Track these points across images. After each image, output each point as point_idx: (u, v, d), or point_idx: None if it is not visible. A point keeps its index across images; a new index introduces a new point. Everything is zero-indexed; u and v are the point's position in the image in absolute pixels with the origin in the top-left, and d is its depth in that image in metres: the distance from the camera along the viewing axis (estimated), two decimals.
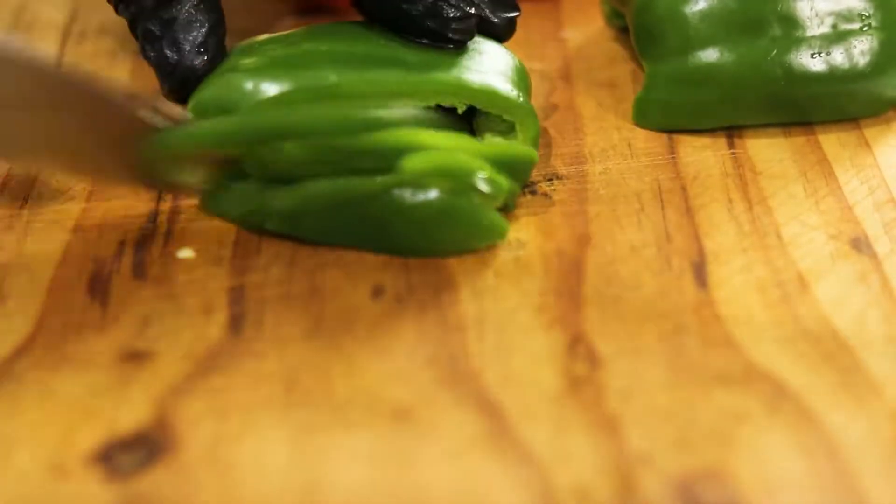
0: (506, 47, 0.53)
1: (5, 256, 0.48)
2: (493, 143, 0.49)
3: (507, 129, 0.50)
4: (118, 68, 0.61)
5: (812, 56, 0.53)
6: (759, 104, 0.54)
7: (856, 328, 0.44)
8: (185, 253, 0.48)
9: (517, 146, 0.49)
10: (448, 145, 0.46)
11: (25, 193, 0.52)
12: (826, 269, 0.47)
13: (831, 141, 0.54)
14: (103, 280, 0.47)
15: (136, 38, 0.53)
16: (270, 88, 0.48)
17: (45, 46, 0.63)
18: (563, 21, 0.64)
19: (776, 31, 0.53)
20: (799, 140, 0.54)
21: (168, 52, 0.52)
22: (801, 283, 0.46)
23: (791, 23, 0.53)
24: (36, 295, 0.46)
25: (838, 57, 0.53)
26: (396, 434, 0.40)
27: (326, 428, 0.40)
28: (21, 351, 0.44)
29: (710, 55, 0.53)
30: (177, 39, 0.52)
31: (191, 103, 0.49)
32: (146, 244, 0.49)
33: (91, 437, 0.40)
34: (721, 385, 0.42)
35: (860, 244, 0.48)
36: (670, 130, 0.55)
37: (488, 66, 0.50)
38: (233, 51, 0.51)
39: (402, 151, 0.46)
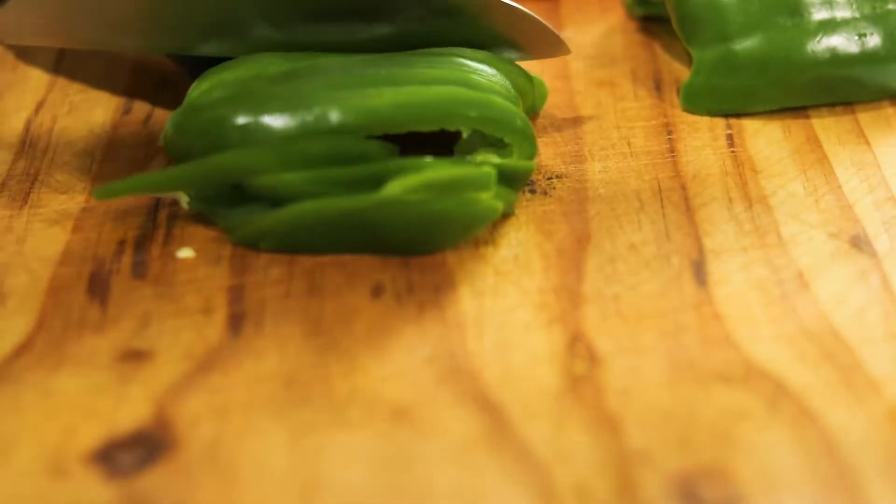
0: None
1: (5, 256, 0.48)
2: (493, 159, 0.48)
3: (503, 145, 0.49)
4: (118, 71, 0.61)
5: (856, 37, 0.54)
6: (806, 87, 0.55)
7: (856, 326, 0.44)
8: (185, 253, 0.48)
9: (516, 161, 0.49)
10: (450, 168, 0.47)
11: (25, 193, 0.52)
12: (826, 267, 0.47)
13: (831, 139, 0.54)
14: (103, 280, 0.47)
15: None
16: (272, 125, 0.47)
17: (44, 47, 0.63)
18: (563, 21, 0.64)
19: (819, 13, 0.54)
20: (798, 139, 0.54)
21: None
22: (800, 282, 0.46)
23: (833, 5, 0.54)
24: (36, 295, 0.46)
25: (881, 37, 0.54)
26: (396, 433, 0.40)
27: (326, 427, 0.40)
28: (21, 351, 0.44)
29: (755, 39, 0.54)
30: None
31: (177, 132, 0.48)
32: (146, 244, 0.49)
33: (91, 436, 0.40)
34: (721, 383, 0.42)
35: (860, 242, 0.48)
36: (719, 115, 0.55)
37: (487, 85, 0.49)
38: (216, 74, 0.50)
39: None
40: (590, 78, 0.59)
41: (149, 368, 0.43)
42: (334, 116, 0.47)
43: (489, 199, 0.47)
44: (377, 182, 0.46)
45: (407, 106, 0.47)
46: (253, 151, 0.46)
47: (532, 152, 0.50)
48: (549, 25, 0.54)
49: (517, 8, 0.52)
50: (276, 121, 0.47)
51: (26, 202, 0.51)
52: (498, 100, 0.49)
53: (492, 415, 0.41)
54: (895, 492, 0.38)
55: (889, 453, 0.39)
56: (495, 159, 0.48)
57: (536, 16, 0.53)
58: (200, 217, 0.50)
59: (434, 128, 0.48)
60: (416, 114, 0.47)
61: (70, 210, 0.51)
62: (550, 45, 0.54)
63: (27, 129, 0.56)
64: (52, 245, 0.49)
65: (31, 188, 0.52)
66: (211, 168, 0.47)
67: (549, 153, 0.53)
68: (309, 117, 0.47)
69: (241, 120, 0.47)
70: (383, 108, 0.47)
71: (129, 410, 0.41)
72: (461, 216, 0.47)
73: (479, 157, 0.49)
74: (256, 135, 0.47)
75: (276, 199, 0.47)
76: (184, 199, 0.49)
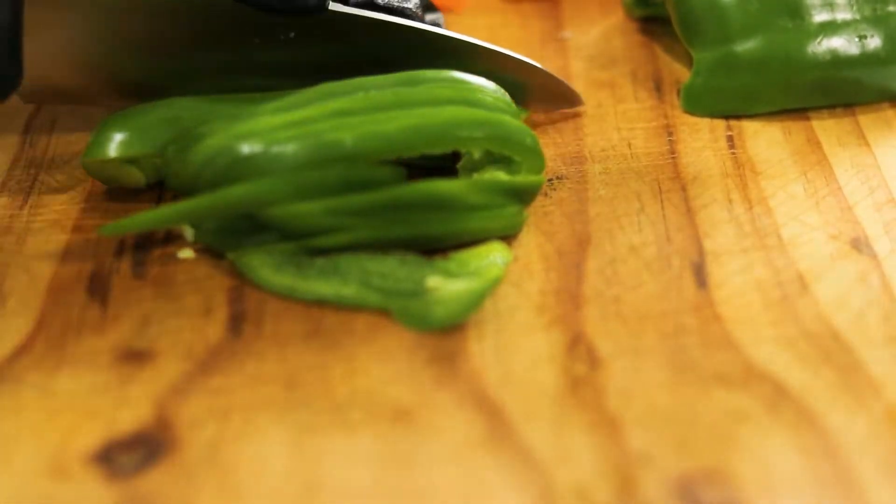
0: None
1: (5, 256, 0.48)
2: (502, 177, 0.48)
3: (510, 161, 0.49)
4: None
5: (857, 39, 0.54)
6: (807, 88, 0.55)
7: (856, 328, 0.44)
8: (185, 253, 0.48)
9: (526, 177, 0.49)
10: (462, 190, 0.47)
11: (25, 193, 0.52)
12: (826, 269, 0.47)
13: (831, 141, 0.54)
14: (103, 280, 0.47)
15: None
16: (282, 154, 0.45)
17: None
18: (563, 21, 0.64)
19: (820, 15, 0.55)
20: (799, 140, 0.54)
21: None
22: (801, 284, 0.46)
23: (834, 7, 0.54)
24: (36, 295, 0.46)
25: (881, 39, 0.54)
26: (396, 434, 0.40)
27: (326, 428, 0.40)
28: (21, 351, 0.44)
29: (755, 41, 0.54)
30: None
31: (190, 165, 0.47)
32: (146, 244, 0.49)
33: (91, 437, 0.40)
34: (721, 385, 0.42)
35: (860, 244, 0.48)
36: (720, 116, 0.55)
37: (492, 103, 0.49)
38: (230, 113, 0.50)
39: (421, 205, 0.46)
40: (590, 79, 0.59)
41: (149, 369, 0.43)
42: (347, 143, 0.46)
43: (522, 214, 0.48)
44: (395, 208, 0.46)
45: (419, 129, 0.47)
46: (266, 182, 0.45)
47: (540, 166, 0.49)
48: (564, 81, 0.55)
49: (530, 64, 0.54)
50: (286, 150, 0.45)
51: (26, 202, 0.51)
52: (506, 118, 0.48)
53: (492, 416, 0.41)
54: (894, 492, 0.38)
55: (889, 455, 0.39)
56: (504, 177, 0.48)
57: (550, 71, 0.55)
58: None
59: (446, 149, 0.47)
60: (429, 136, 0.47)
61: (70, 210, 0.51)
62: (566, 98, 0.56)
63: (27, 129, 0.56)
64: (52, 245, 0.49)
65: (31, 188, 0.52)
66: (223, 201, 0.45)
67: (549, 154, 0.53)
68: (321, 145, 0.46)
69: (248, 150, 0.46)
70: (396, 132, 0.46)
71: (129, 411, 0.41)
72: (502, 226, 0.48)
73: (487, 175, 0.48)
74: (266, 165, 0.45)
75: (288, 230, 0.46)
76: (188, 232, 0.48)
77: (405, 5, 0.53)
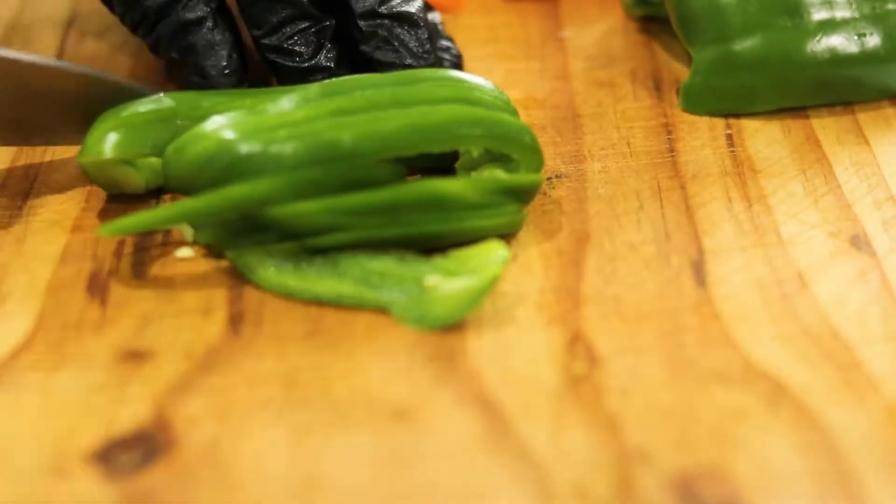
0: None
1: (5, 256, 0.48)
2: (501, 175, 0.48)
3: (509, 160, 0.49)
4: (118, 69, 0.61)
5: (856, 38, 0.54)
6: (806, 87, 0.55)
7: (855, 326, 0.44)
8: (185, 253, 0.48)
9: (525, 176, 0.49)
10: (461, 189, 0.46)
11: (25, 193, 0.52)
12: (825, 266, 0.47)
13: (830, 139, 0.54)
14: (102, 280, 0.47)
15: (160, 58, 0.54)
16: (281, 153, 0.45)
17: (44, 47, 0.63)
18: (562, 21, 0.64)
19: (819, 13, 0.54)
20: (798, 138, 0.54)
21: (195, 79, 0.52)
22: (800, 282, 0.46)
23: (833, 5, 0.54)
24: (36, 295, 0.46)
25: (880, 37, 0.54)
26: (395, 433, 0.40)
27: (326, 427, 0.40)
28: (21, 351, 0.44)
29: (754, 39, 0.54)
30: (200, 66, 0.52)
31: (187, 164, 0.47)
32: (145, 244, 0.49)
33: (90, 436, 0.40)
34: (720, 383, 0.42)
35: (859, 242, 0.48)
36: (719, 115, 0.55)
37: (491, 102, 0.49)
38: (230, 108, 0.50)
39: (420, 204, 0.46)
40: (590, 78, 0.59)
41: (148, 368, 0.43)
42: (346, 142, 0.46)
43: (521, 212, 0.48)
44: (393, 207, 0.46)
45: (418, 128, 0.47)
46: (265, 181, 0.45)
47: (539, 165, 0.49)
48: None
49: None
50: (285, 149, 0.45)
51: (26, 202, 0.51)
52: (505, 116, 0.49)
53: (491, 415, 0.41)
54: (894, 490, 0.38)
55: (888, 452, 0.39)
56: (503, 175, 0.48)
57: None
58: None
59: (445, 148, 0.47)
60: (428, 135, 0.47)
61: (70, 210, 0.51)
62: None
63: None
64: (52, 245, 0.49)
65: (31, 188, 0.52)
66: (222, 201, 0.45)
67: (549, 153, 0.53)
68: (319, 144, 0.46)
69: (247, 150, 0.45)
70: (395, 131, 0.46)
71: (128, 410, 0.41)
72: (501, 224, 0.48)
73: (486, 173, 0.48)
74: (265, 165, 0.45)
75: (287, 230, 0.46)
76: (188, 232, 0.48)
77: (409, 9, 0.53)
